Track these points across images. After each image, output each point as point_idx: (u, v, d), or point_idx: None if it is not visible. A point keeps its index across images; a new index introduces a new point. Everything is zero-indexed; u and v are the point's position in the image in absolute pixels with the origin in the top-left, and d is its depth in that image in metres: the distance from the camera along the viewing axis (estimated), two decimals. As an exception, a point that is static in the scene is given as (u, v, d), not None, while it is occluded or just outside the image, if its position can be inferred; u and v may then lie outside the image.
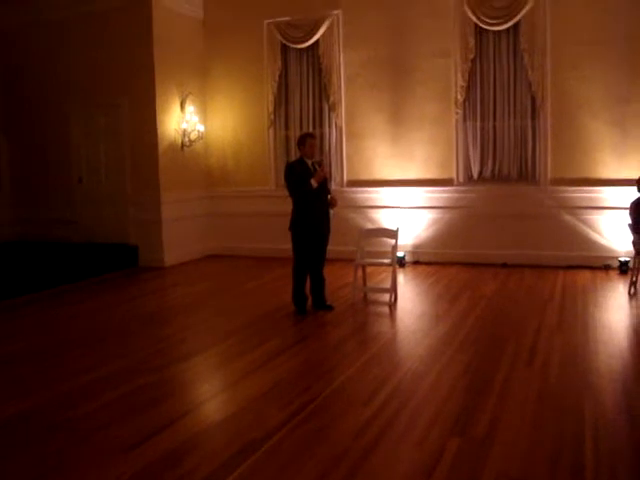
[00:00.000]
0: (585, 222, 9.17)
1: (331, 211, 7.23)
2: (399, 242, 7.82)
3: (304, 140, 7.08)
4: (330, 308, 7.19)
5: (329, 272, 7.46)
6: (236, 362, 5.58)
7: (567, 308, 7.00)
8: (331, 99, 10.34)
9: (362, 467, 3.56)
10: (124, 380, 5.14)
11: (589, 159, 9.10)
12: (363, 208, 10.26)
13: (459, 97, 9.58)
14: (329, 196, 7.18)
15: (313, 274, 7.17)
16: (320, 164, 7.18)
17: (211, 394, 4.99)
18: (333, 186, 10.14)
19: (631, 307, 7.12)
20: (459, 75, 9.56)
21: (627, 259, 8.65)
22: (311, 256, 7.08)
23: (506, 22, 9.18)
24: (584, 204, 9.15)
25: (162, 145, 10.32)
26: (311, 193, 6.89)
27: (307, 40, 10.32)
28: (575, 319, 6.54)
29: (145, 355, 5.84)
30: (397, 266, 8.01)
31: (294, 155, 9.73)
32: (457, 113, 9.64)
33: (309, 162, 7.04)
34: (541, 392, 4.56)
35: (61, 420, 4.37)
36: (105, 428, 4.22)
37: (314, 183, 6.86)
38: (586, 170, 9.11)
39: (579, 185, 9.15)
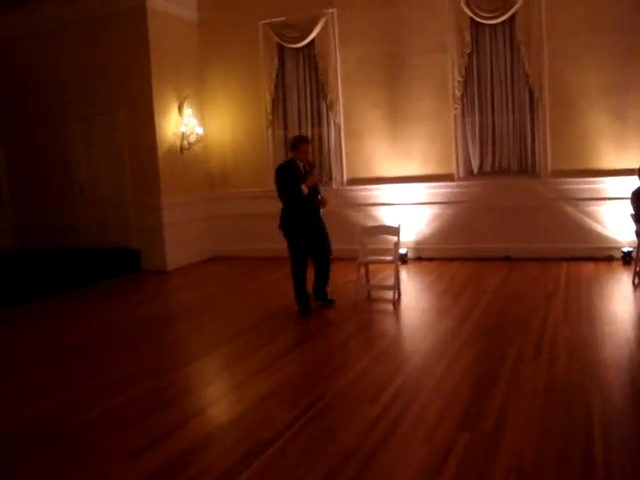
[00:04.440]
0: (587, 213, 9.13)
1: (322, 210, 7.21)
2: (401, 239, 7.81)
3: (298, 144, 7.01)
4: (331, 302, 7.21)
5: (332, 271, 7.44)
6: (241, 364, 5.57)
7: (572, 300, 6.98)
8: (328, 98, 10.31)
9: (371, 465, 3.54)
10: (129, 386, 5.12)
11: (589, 150, 9.06)
12: (364, 206, 10.23)
13: (457, 92, 9.55)
14: (319, 196, 7.14)
15: (320, 267, 7.16)
16: (312, 166, 7.15)
17: (217, 396, 4.98)
18: (334, 185, 10.22)
19: (636, 298, 7.07)
20: (456, 70, 9.52)
21: (630, 249, 8.63)
22: (312, 253, 7.09)
23: (501, 15, 9.14)
24: (585, 195, 9.11)
25: (161, 149, 10.29)
26: (301, 197, 6.87)
27: (302, 40, 10.30)
28: (580, 311, 6.51)
29: (150, 360, 5.84)
30: (399, 263, 7.99)
31: (293, 155, 9.66)
32: (455, 108, 9.60)
33: (300, 165, 6.99)
34: (548, 385, 4.54)
35: (66, 429, 4.35)
36: (110, 436, 4.19)
37: (305, 189, 6.83)
38: (586, 161, 9.08)
39: (580, 176, 9.09)
